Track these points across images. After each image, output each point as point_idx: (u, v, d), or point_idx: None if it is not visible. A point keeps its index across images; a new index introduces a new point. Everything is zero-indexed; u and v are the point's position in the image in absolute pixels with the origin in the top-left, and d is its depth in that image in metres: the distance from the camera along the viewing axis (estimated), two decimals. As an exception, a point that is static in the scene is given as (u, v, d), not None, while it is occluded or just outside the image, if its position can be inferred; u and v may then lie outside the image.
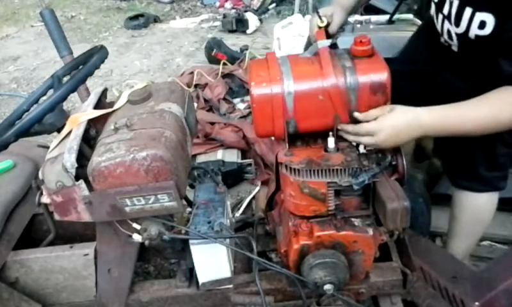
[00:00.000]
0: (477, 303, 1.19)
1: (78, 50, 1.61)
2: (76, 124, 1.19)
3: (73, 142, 1.13)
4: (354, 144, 1.17)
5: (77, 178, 1.09)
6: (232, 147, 2.53)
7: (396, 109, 1.09)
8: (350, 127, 1.11)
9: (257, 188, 2.34)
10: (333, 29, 1.38)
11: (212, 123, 2.67)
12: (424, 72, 1.49)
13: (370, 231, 1.15)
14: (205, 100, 2.98)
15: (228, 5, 5.32)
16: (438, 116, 1.10)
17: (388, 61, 1.11)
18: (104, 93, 1.38)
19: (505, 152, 1.39)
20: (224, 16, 4.71)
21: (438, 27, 1.33)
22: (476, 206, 1.52)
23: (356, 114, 1.10)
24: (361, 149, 1.15)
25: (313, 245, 1.17)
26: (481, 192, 1.50)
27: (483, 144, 1.36)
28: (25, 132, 1.17)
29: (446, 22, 1.27)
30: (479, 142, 1.35)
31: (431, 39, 1.42)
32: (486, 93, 1.10)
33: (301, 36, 3.30)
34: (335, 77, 1.08)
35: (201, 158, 2.47)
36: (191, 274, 1.36)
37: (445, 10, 1.25)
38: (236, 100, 3.05)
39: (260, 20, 4.64)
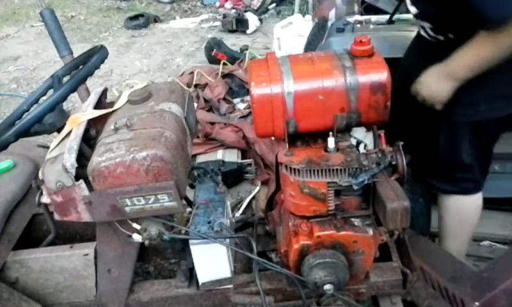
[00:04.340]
0: (477, 303, 1.19)
1: (78, 50, 1.62)
2: (76, 124, 1.19)
3: (73, 142, 1.13)
4: (354, 144, 1.17)
5: (77, 178, 1.09)
6: (232, 147, 2.53)
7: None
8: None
9: (257, 188, 2.34)
10: None
11: (212, 123, 2.67)
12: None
13: (370, 231, 1.15)
14: (205, 100, 2.99)
15: (228, 5, 5.33)
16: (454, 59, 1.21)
17: (387, 61, 1.11)
18: (104, 93, 1.38)
19: (471, 153, 1.39)
20: (224, 16, 4.71)
21: (416, 23, 1.40)
22: (459, 208, 1.51)
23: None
24: (362, 149, 1.15)
25: (313, 245, 1.17)
26: (450, 193, 1.49)
27: (448, 144, 1.38)
28: (25, 132, 1.17)
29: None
30: (444, 141, 1.38)
31: (418, 46, 1.47)
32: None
33: (301, 36, 3.30)
34: (335, 77, 1.08)
35: (201, 158, 2.47)
36: (191, 274, 1.36)
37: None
38: (236, 100, 3.06)
39: (260, 20, 4.65)
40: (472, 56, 1.20)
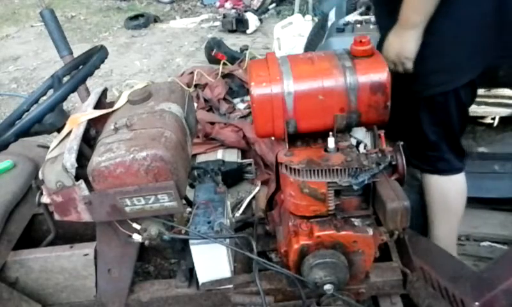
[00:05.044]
0: (477, 303, 1.19)
1: (78, 50, 1.61)
2: (76, 124, 1.19)
3: (73, 142, 1.13)
4: (354, 144, 1.17)
5: (77, 178, 1.09)
6: (232, 147, 2.53)
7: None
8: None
9: (257, 188, 2.34)
10: None
11: (212, 123, 2.67)
12: None
13: (370, 231, 1.15)
14: (205, 100, 2.99)
15: (228, 5, 5.33)
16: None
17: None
18: (104, 93, 1.38)
19: (433, 130, 1.40)
20: (224, 16, 4.71)
21: None
22: (439, 189, 1.51)
23: None
24: (362, 149, 1.15)
25: (313, 245, 1.17)
26: (428, 172, 1.50)
27: (413, 121, 1.40)
28: (25, 132, 1.17)
29: None
30: (411, 119, 1.40)
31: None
32: None
33: (301, 36, 3.30)
34: (335, 77, 1.08)
35: (201, 158, 2.47)
36: (191, 274, 1.36)
37: None
38: (236, 100, 3.06)
39: (260, 20, 4.65)
40: None
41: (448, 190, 1.51)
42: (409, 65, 1.29)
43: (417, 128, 1.41)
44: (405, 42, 1.27)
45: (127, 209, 1.12)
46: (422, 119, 1.39)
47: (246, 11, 4.67)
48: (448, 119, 1.39)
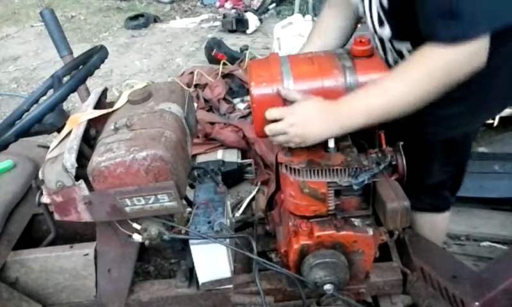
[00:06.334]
0: (477, 303, 1.19)
1: (78, 50, 1.61)
2: (76, 124, 1.19)
3: (73, 142, 1.13)
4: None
5: (77, 178, 1.09)
6: (232, 147, 2.53)
7: (310, 98, 1.04)
8: (271, 126, 1.07)
9: (257, 188, 2.34)
10: None
11: (212, 123, 2.67)
12: None
13: (370, 231, 1.15)
14: (205, 100, 2.98)
15: (228, 5, 5.33)
16: (353, 97, 1.02)
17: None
18: (104, 93, 1.38)
19: (445, 170, 1.31)
20: (224, 16, 4.71)
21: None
22: (431, 225, 1.46)
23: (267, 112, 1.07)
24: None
25: (313, 245, 1.17)
26: (423, 211, 1.42)
27: (417, 163, 1.21)
28: (25, 132, 1.17)
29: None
30: (414, 160, 1.17)
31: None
32: (404, 62, 1.02)
33: (301, 36, 3.30)
34: (335, 77, 1.08)
35: (201, 158, 2.47)
36: (191, 274, 1.36)
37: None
38: (236, 100, 3.06)
39: (260, 20, 4.65)
40: (403, 90, 0.97)
41: (440, 224, 1.50)
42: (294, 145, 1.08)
43: (421, 169, 1.27)
44: (324, 132, 1.05)
45: (127, 209, 1.12)
46: (433, 160, 1.28)
47: (246, 11, 4.66)
48: (464, 157, 1.33)
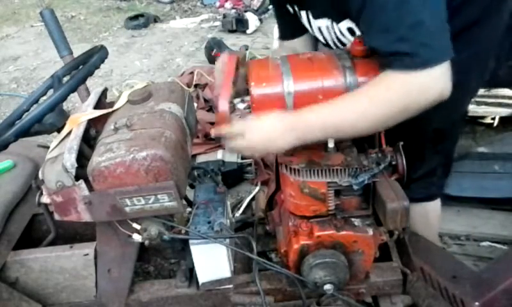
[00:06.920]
0: (477, 303, 1.19)
1: (78, 50, 1.61)
2: (76, 124, 1.19)
3: (73, 142, 1.13)
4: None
5: (77, 178, 1.09)
6: (232, 147, 2.53)
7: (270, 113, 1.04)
8: (223, 130, 1.07)
9: (257, 188, 2.34)
10: None
11: (212, 123, 2.66)
12: None
13: (370, 231, 1.15)
14: (205, 100, 2.98)
15: (228, 5, 5.33)
16: (311, 111, 1.02)
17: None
18: (104, 93, 1.38)
19: (434, 158, 1.36)
20: (224, 16, 4.71)
21: None
22: (423, 215, 1.47)
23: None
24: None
25: (313, 245, 1.17)
26: (416, 201, 1.39)
27: (412, 150, 1.21)
28: (25, 132, 1.17)
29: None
30: (408, 148, 1.20)
31: None
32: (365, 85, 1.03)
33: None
34: (335, 77, 1.08)
35: (201, 158, 2.47)
36: (191, 274, 1.36)
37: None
38: (236, 100, 3.05)
39: (260, 20, 4.65)
40: (358, 109, 0.99)
41: (431, 213, 1.51)
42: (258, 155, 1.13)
43: (414, 158, 1.26)
44: (283, 144, 1.04)
45: (127, 209, 1.12)
46: (425, 148, 1.33)
47: (246, 11, 4.67)
48: (453, 144, 1.38)
